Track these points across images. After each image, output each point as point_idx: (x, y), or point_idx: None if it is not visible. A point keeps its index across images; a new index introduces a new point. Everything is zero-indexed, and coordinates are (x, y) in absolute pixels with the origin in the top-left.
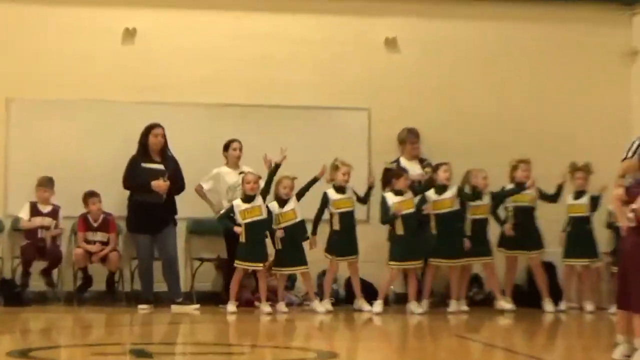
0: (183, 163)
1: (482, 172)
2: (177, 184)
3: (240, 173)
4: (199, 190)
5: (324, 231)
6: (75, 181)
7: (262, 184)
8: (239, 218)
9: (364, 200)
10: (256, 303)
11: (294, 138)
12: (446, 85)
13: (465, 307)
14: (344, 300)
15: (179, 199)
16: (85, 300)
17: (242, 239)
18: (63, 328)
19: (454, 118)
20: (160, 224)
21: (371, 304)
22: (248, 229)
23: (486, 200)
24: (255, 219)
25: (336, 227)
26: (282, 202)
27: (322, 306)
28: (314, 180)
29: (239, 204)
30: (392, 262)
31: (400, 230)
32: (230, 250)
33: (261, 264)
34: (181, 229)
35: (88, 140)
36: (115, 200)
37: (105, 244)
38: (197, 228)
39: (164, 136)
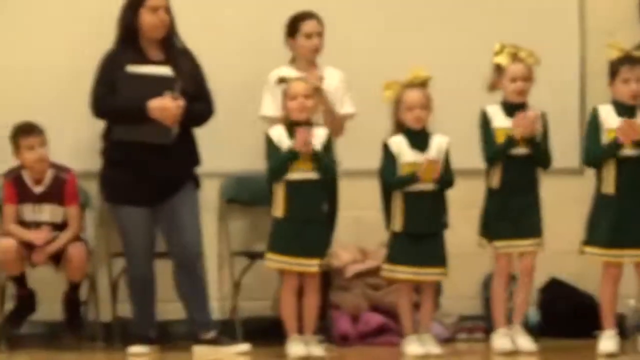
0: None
1: None
2: (199, 103)
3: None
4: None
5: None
6: None
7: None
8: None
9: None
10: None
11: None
12: None
13: None
14: (538, 330)
15: (203, 137)
16: (22, 340)
17: (278, 211)
18: None
19: None
20: (167, 186)
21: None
22: (292, 193)
23: None
24: (305, 175)
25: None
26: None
27: (507, 341)
28: None
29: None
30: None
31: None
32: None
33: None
34: (210, 195)
35: (23, 32)
36: (76, 142)
37: (58, 227)
38: (242, 193)
39: (168, 10)
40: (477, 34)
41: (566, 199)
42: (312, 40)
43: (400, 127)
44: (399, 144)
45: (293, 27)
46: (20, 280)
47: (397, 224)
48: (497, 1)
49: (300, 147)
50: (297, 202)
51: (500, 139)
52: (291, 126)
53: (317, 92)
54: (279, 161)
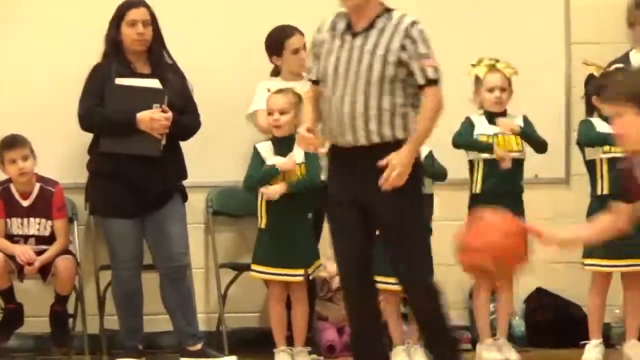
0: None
1: None
2: (186, 117)
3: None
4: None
5: None
6: None
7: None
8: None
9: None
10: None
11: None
12: None
13: None
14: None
15: (189, 150)
16: (9, 354)
17: (261, 222)
18: None
19: None
20: (154, 198)
21: None
22: (275, 204)
23: None
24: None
25: None
26: None
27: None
28: None
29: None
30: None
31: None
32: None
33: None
34: (197, 207)
35: (10, 45)
36: (64, 155)
37: (44, 241)
38: (229, 204)
39: (152, 22)
40: (461, 49)
41: (552, 210)
42: (300, 54)
43: None
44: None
45: (278, 44)
46: (7, 294)
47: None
48: (482, 17)
49: (284, 169)
50: (280, 213)
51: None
52: (276, 141)
53: (299, 104)
54: (261, 174)
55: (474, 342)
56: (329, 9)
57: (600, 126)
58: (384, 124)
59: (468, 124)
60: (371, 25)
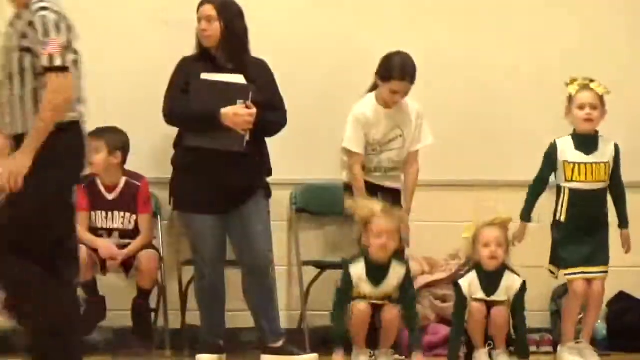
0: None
1: None
2: (271, 113)
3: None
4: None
5: None
6: None
7: None
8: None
9: None
10: None
11: None
12: None
13: None
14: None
15: (275, 146)
16: (92, 347)
17: None
18: None
19: None
20: (238, 194)
21: None
22: None
23: None
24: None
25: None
26: None
27: (575, 354)
28: None
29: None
30: None
31: None
32: None
33: None
34: (281, 204)
35: (100, 38)
36: (149, 150)
37: (128, 235)
38: (313, 203)
39: (223, 18)
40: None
41: (638, 214)
42: (395, 97)
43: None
44: None
45: (386, 73)
46: (90, 287)
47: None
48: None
49: None
50: None
51: (569, 172)
52: (369, 263)
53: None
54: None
55: (555, 345)
56: None
57: None
58: (15, 116)
59: (551, 152)
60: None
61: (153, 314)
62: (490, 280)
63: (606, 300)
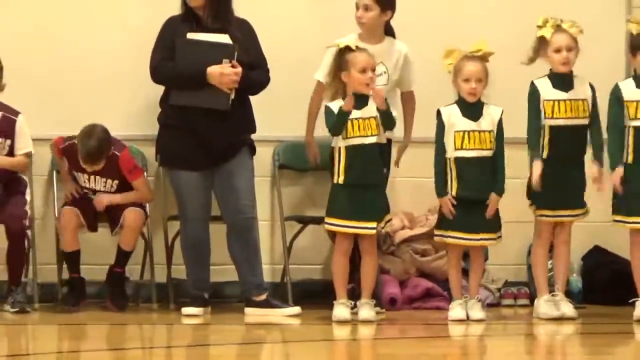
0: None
1: None
2: (255, 72)
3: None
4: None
5: None
6: (47, 69)
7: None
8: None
9: None
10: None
11: None
12: None
13: None
14: (581, 297)
15: (259, 104)
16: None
17: (339, 177)
18: None
19: None
20: (222, 150)
21: None
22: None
23: None
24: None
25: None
26: None
27: (551, 307)
28: None
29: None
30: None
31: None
32: None
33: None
34: (264, 160)
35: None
36: (135, 107)
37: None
38: (295, 159)
39: None
40: (521, 8)
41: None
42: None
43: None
44: (451, 114)
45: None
46: (74, 261)
47: (453, 190)
48: None
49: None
50: (359, 168)
51: (549, 111)
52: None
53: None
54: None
55: (532, 298)
56: None
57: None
58: None
59: (533, 93)
60: None
61: (139, 268)
62: (472, 110)
63: (581, 254)
